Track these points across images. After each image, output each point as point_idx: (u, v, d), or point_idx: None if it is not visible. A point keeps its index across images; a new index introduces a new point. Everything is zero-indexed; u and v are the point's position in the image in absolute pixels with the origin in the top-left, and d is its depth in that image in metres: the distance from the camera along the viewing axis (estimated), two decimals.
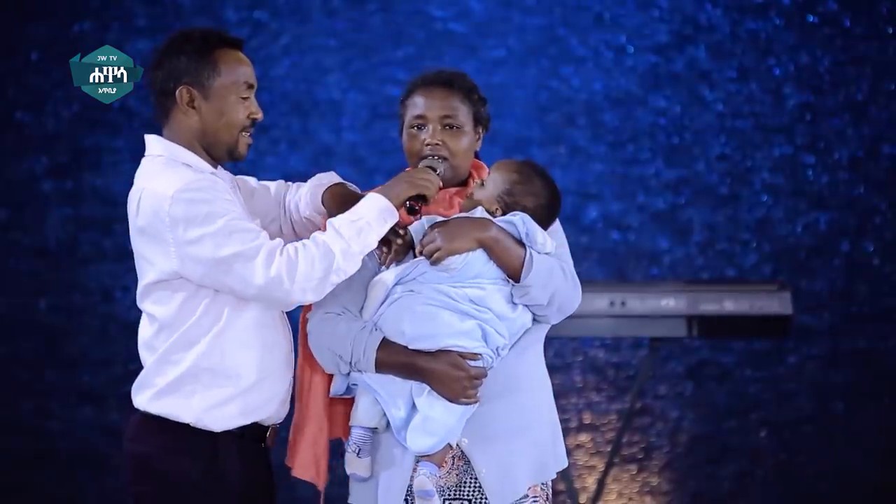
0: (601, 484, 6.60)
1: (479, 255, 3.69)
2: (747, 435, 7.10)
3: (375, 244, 3.65)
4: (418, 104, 3.80)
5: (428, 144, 3.76)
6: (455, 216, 3.74)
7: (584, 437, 7.08)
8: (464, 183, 3.84)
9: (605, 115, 7.10)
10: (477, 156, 3.90)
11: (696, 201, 7.10)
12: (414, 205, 3.68)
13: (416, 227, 3.73)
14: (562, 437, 3.86)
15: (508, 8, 7.09)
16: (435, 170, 3.72)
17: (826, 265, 7.08)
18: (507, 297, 3.72)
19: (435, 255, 3.65)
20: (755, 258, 7.09)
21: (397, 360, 3.66)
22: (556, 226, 3.84)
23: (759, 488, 7.09)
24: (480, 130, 3.85)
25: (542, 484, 3.78)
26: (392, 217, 3.65)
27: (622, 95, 7.11)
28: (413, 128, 3.80)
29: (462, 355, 3.65)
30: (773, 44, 7.08)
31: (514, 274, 3.68)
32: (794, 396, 7.09)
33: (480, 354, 3.67)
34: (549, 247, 3.73)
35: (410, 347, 3.65)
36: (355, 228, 3.61)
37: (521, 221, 3.71)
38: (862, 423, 7.06)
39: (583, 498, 6.83)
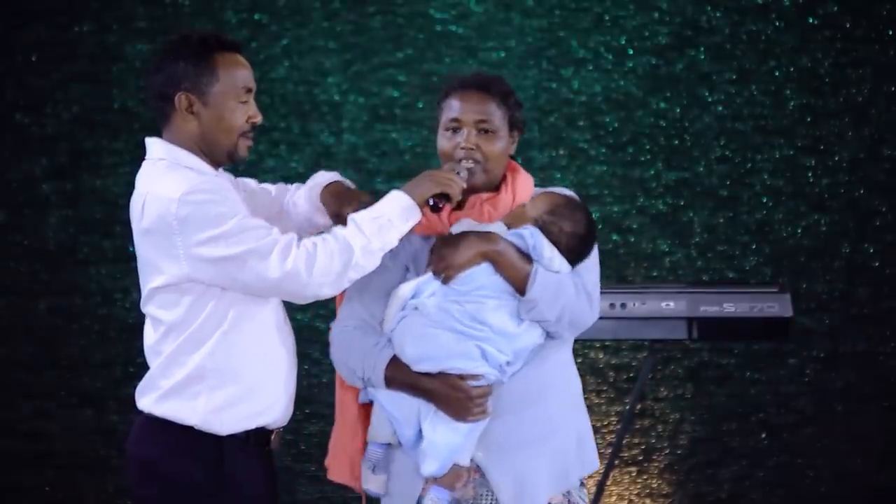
0: (601, 486, 6.59)
1: (485, 267, 3.72)
2: (748, 437, 7.09)
3: (396, 242, 3.67)
4: (454, 107, 3.83)
5: (462, 148, 3.79)
6: (462, 230, 3.76)
7: None
8: (496, 188, 3.86)
9: (606, 117, 7.10)
10: (513, 158, 3.93)
11: (696, 203, 7.09)
12: (437, 202, 3.70)
13: (463, 226, 3.77)
14: (591, 441, 3.85)
15: (508, 10, 7.09)
16: (458, 173, 3.75)
17: (826, 267, 7.08)
18: (512, 313, 3.73)
19: (444, 277, 3.68)
20: (755, 260, 7.08)
21: (404, 379, 3.70)
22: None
23: (759, 490, 7.09)
24: (515, 135, 3.89)
25: (565, 492, 3.79)
26: (415, 215, 3.68)
27: (622, 97, 7.10)
28: (448, 130, 3.83)
29: (462, 376, 3.66)
30: (773, 46, 7.08)
31: (520, 288, 3.70)
32: (794, 398, 7.09)
33: (482, 374, 3.68)
34: (558, 264, 3.74)
35: (413, 369, 3.67)
36: (377, 225, 3.63)
37: (529, 234, 3.73)
38: (862, 425, 7.06)
39: None
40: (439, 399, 3.67)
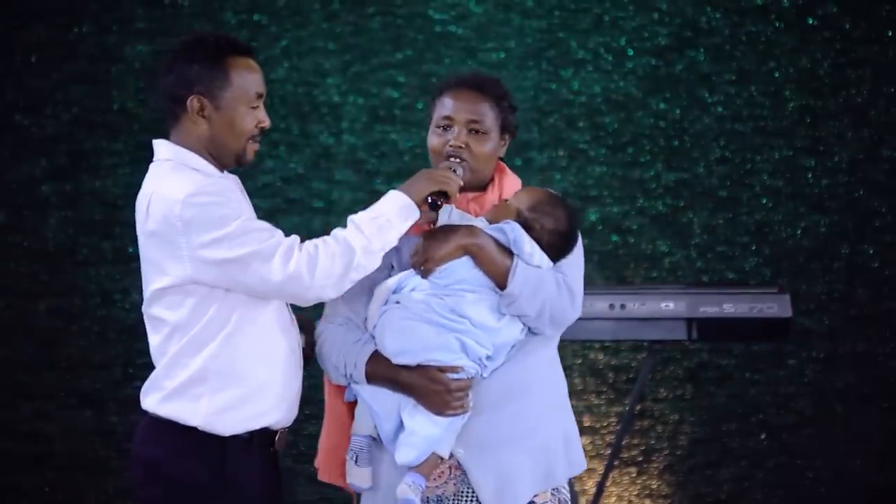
0: (601, 487, 6.59)
1: (465, 260, 3.73)
2: (747, 437, 7.09)
3: (396, 241, 3.68)
4: (447, 105, 3.84)
5: (451, 146, 3.80)
6: (444, 224, 3.77)
7: (583, 440, 7.03)
8: (483, 188, 3.87)
9: (605, 118, 7.10)
10: (501, 160, 3.93)
11: (695, 204, 7.09)
12: (436, 200, 3.71)
13: (443, 216, 3.77)
14: (578, 441, 3.85)
15: (508, 11, 7.09)
16: (454, 171, 3.76)
17: (826, 268, 7.08)
18: (492, 307, 3.73)
19: (423, 270, 3.70)
20: (755, 261, 7.08)
21: (384, 373, 3.71)
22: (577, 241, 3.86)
23: (759, 491, 7.09)
24: (507, 137, 3.89)
25: (553, 490, 3.78)
26: (413, 215, 3.69)
27: (622, 98, 7.10)
28: (439, 127, 3.84)
29: (441, 369, 3.67)
30: (772, 47, 7.08)
31: (500, 282, 3.71)
32: (793, 399, 7.09)
33: (461, 367, 3.68)
34: (538, 258, 3.74)
35: (393, 362, 3.68)
36: (376, 225, 3.64)
37: (510, 229, 3.74)
38: (862, 426, 7.06)
39: (582, 501, 6.83)
40: (419, 393, 3.67)
